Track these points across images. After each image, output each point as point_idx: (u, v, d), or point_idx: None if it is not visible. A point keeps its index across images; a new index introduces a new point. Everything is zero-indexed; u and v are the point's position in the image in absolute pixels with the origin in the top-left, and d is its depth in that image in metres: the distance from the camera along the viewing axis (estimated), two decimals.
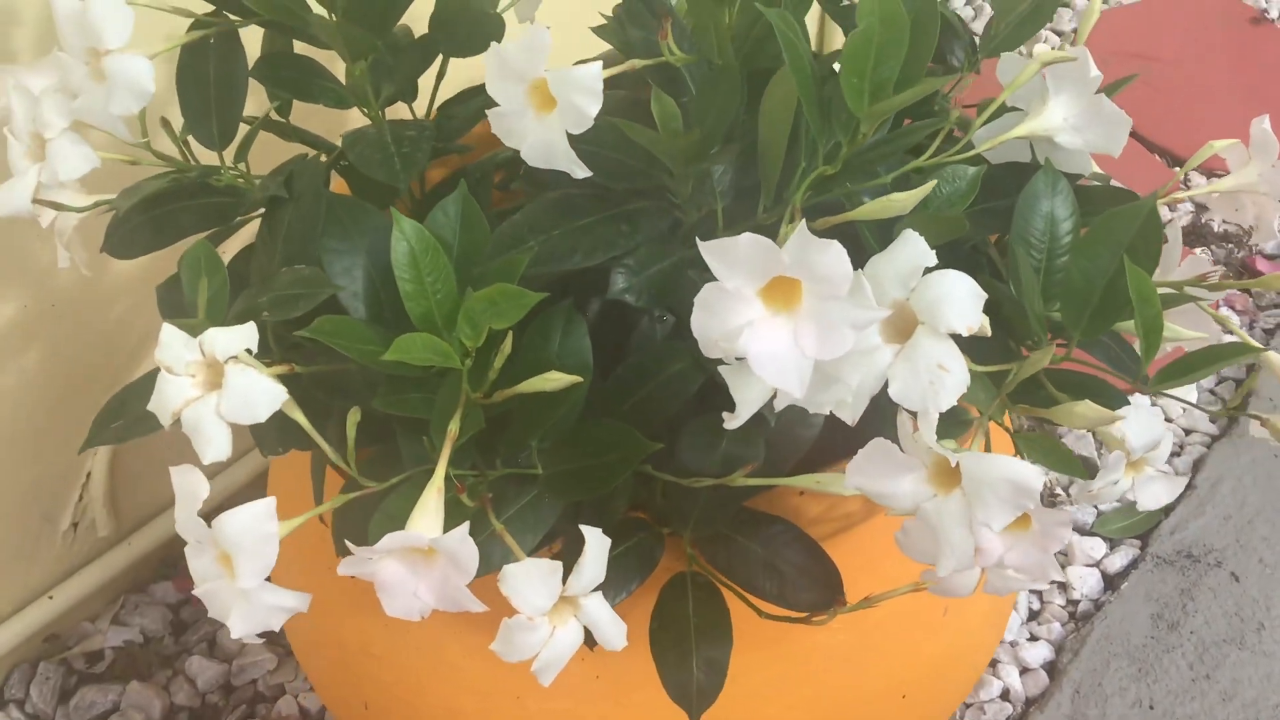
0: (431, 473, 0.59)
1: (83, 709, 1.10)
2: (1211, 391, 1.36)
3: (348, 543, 0.52)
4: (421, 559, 0.52)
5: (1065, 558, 1.23)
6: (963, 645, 0.87)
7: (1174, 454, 1.33)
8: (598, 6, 0.86)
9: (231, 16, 0.72)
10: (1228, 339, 0.63)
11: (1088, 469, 1.29)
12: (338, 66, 0.77)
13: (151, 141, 0.73)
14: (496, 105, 0.62)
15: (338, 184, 0.77)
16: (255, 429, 0.67)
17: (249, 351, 0.54)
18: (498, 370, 0.56)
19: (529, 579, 0.51)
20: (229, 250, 0.75)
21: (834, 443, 0.70)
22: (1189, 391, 1.19)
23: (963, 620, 0.85)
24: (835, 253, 0.48)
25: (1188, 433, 1.34)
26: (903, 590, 0.63)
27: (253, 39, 0.76)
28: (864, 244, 0.62)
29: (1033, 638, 1.17)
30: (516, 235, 0.63)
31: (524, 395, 0.59)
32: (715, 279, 0.52)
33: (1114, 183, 0.74)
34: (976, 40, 0.87)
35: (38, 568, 1.10)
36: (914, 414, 0.54)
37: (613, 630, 0.55)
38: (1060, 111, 0.65)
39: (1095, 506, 1.27)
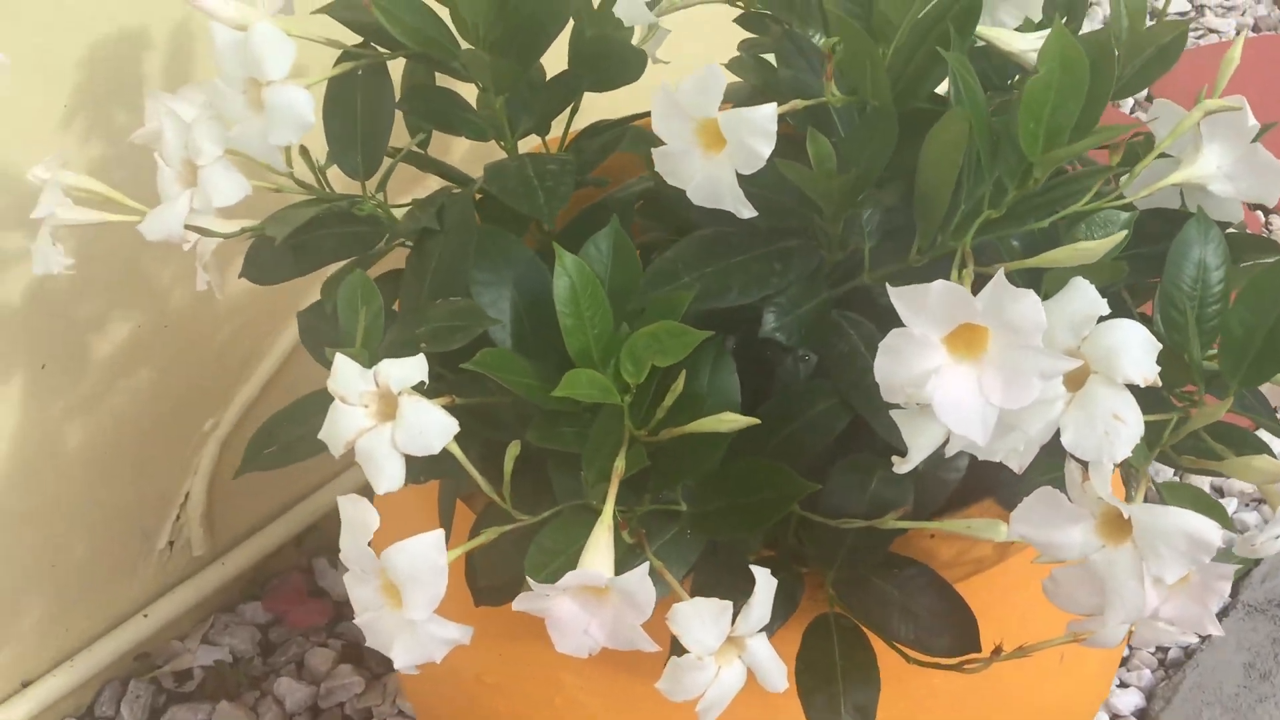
0: (586, 508, 0.59)
1: None
2: None
3: (530, 580, 0.52)
4: (594, 597, 0.52)
5: None
6: (1075, 694, 0.86)
7: (1259, 500, 1.32)
8: (713, 43, 0.87)
9: (380, 49, 0.73)
10: None
11: None
12: (470, 98, 0.78)
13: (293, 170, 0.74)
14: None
15: None
16: None
17: (420, 384, 0.55)
18: (666, 408, 0.56)
19: (699, 618, 0.51)
20: None
21: (965, 485, 0.70)
22: None
23: (1078, 668, 0.84)
24: (1030, 302, 0.48)
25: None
26: (1059, 641, 0.63)
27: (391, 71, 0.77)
28: None
29: (1123, 684, 1.16)
30: (670, 271, 0.63)
31: (682, 434, 0.59)
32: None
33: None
34: None
35: (134, 586, 1.11)
36: (1083, 463, 0.53)
37: (775, 671, 0.54)
38: (1214, 159, 0.65)
39: None
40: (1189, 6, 1.99)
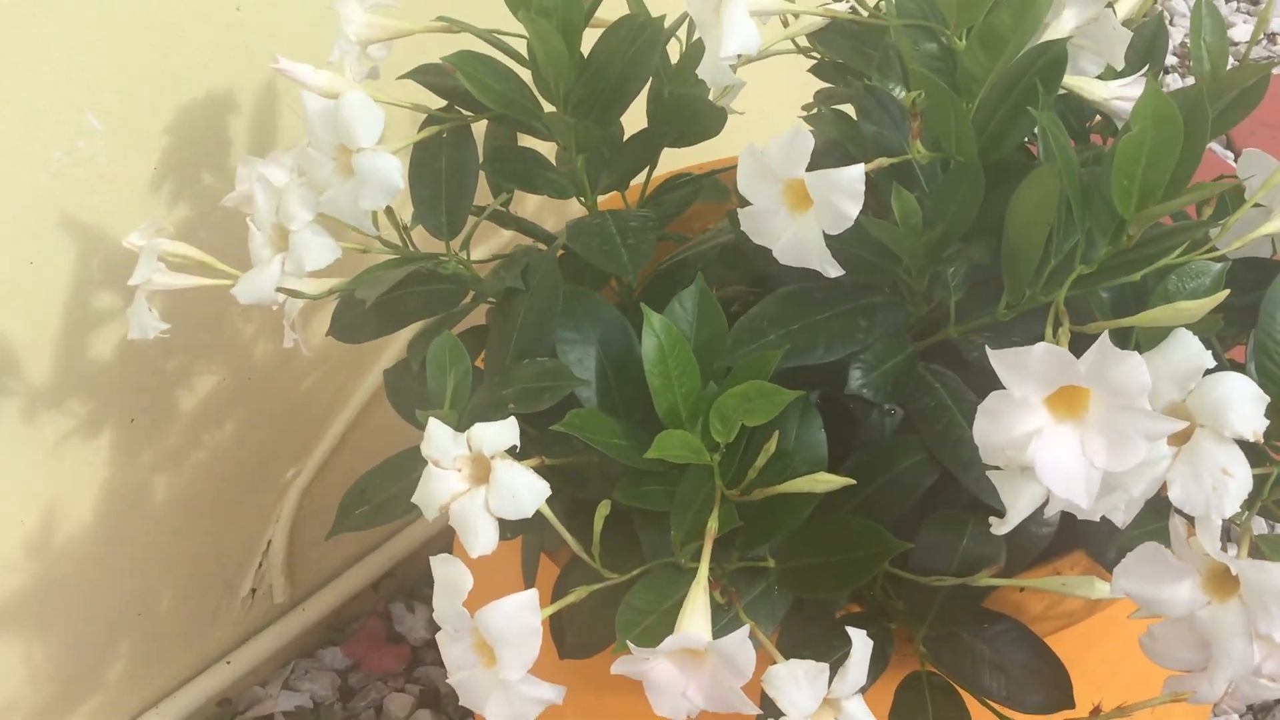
0: (674, 565, 0.59)
1: None
2: None
3: (630, 643, 0.52)
4: (691, 659, 0.52)
5: None
6: None
7: None
8: (785, 93, 0.87)
9: (464, 112, 0.74)
10: None
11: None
12: (550, 156, 0.79)
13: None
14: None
15: None
16: None
17: (512, 448, 0.55)
18: (759, 469, 0.56)
19: (795, 681, 0.51)
20: None
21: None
22: None
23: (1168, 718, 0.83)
24: (1135, 364, 0.48)
25: None
26: (1159, 701, 0.62)
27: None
28: None
29: None
30: (756, 328, 0.63)
31: (770, 493, 0.59)
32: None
33: None
34: None
35: (217, 633, 1.12)
36: (1189, 519, 0.53)
37: None
38: None
39: None
40: (1261, 36, 1.97)
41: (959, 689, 0.64)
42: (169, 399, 0.98)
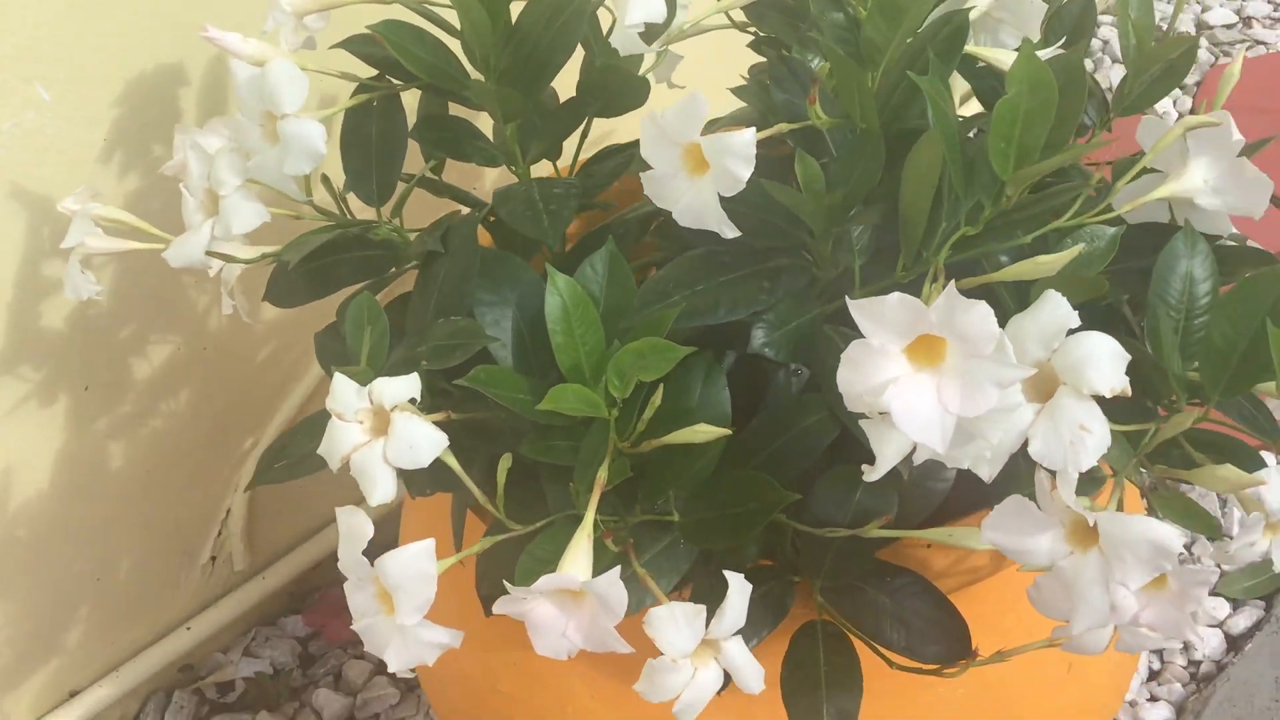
0: (578, 518, 0.61)
1: None
2: None
3: (506, 583, 0.54)
4: (571, 600, 0.54)
5: None
6: (1086, 703, 0.86)
7: None
8: (729, 68, 0.89)
9: (394, 81, 0.76)
10: None
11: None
12: (486, 125, 0.81)
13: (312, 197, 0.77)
14: (649, 168, 0.65)
15: (483, 238, 0.81)
16: (406, 471, 0.70)
17: (413, 400, 0.57)
18: (646, 421, 0.59)
19: (674, 622, 0.53)
20: (381, 302, 0.79)
21: (964, 496, 0.71)
22: None
23: (1087, 677, 0.85)
24: (981, 313, 0.50)
25: None
26: (1035, 645, 0.64)
27: (407, 101, 0.80)
28: (1001, 303, 0.63)
29: (1153, 698, 1.16)
30: (662, 290, 0.65)
31: (666, 445, 0.61)
32: (859, 335, 0.53)
33: (1251, 243, 0.75)
34: (1109, 98, 0.88)
35: (177, 600, 1.15)
36: (1052, 473, 0.55)
37: (752, 673, 0.56)
38: (1200, 174, 0.66)
39: (1218, 566, 1.25)
40: (1236, 19, 1.99)
41: (854, 638, 0.66)
42: (123, 367, 1.01)
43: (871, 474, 0.55)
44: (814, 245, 0.67)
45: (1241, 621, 1.20)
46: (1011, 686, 0.82)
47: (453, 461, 0.61)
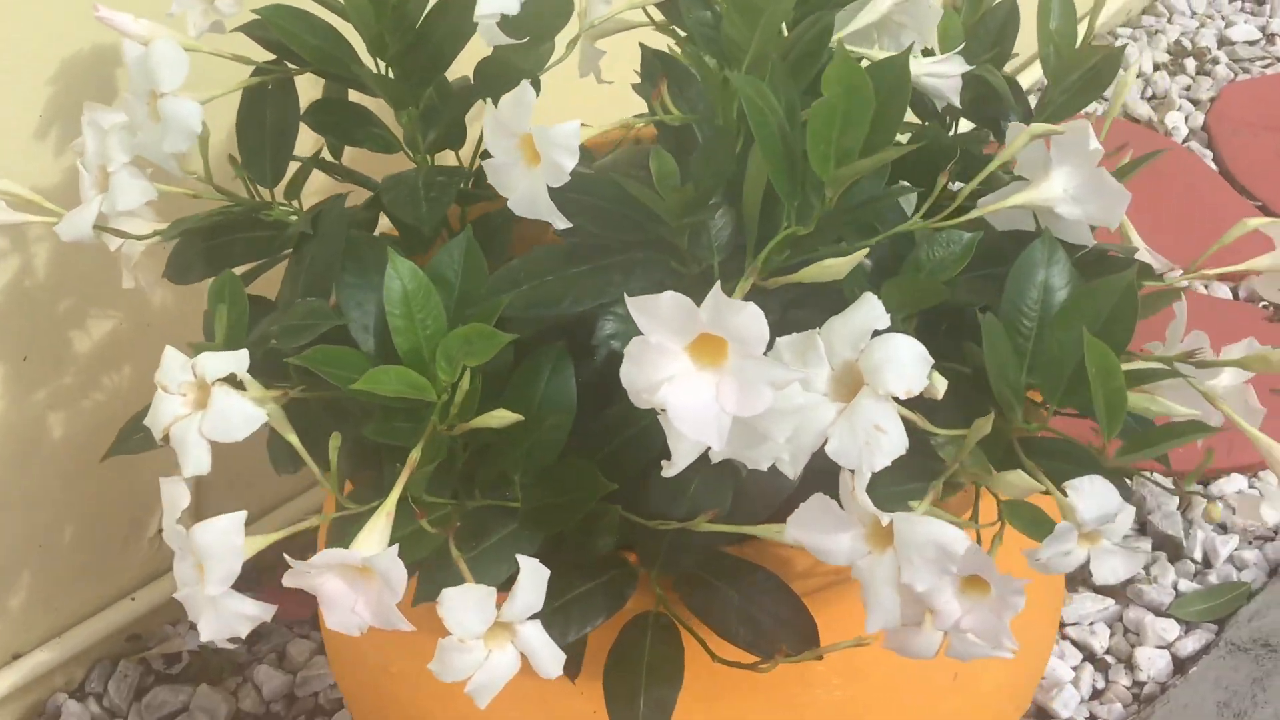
0: (414, 500, 0.62)
1: (154, 707, 1.16)
2: None
3: (285, 555, 0.55)
4: (361, 576, 0.55)
5: (1136, 637, 1.20)
6: (975, 713, 0.86)
7: (1268, 539, 1.29)
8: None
9: (290, 65, 0.78)
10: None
11: (1170, 548, 1.26)
12: (389, 113, 0.82)
13: (216, 177, 0.79)
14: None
15: (388, 224, 0.82)
16: (272, 450, 0.72)
17: (233, 376, 0.59)
18: (459, 404, 0.59)
19: (464, 603, 0.54)
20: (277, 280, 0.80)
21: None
22: None
23: (975, 686, 0.84)
24: (750, 313, 0.50)
25: None
26: (844, 645, 0.64)
27: (316, 86, 0.82)
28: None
29: (1092, 716, 1.14)
30: (512, 278, 0.66)
31: (503, 431, 0.62)
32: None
33: (1136, 253, 0.74)
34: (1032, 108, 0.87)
35: (123, 570, 1.17)
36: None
37: (548, 658, 0.57)
38: (1061, 182, 0.66)
39: (1174, 588, 1.24)
40: (1260, 35, 1.96)
41: (684, 631, 0.66)
42: (63, 340, 1.03)
43: (669, 469, 0.55)
44: (671, 241, 0.67)
45: (1190, 644, 1.19)
46: (892, 692, 0.82)
47: (293, 439, 0.62)
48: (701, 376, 0.52)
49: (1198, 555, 1.27)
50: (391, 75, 0.75)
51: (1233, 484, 1.33)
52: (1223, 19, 1.97)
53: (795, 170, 0.58)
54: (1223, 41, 1.94)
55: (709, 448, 0.53)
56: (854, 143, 0.56)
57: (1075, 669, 1.18)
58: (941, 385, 0.56)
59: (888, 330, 0.54)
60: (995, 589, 0.59)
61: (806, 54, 0.65)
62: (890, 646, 0.60)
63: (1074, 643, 1.20)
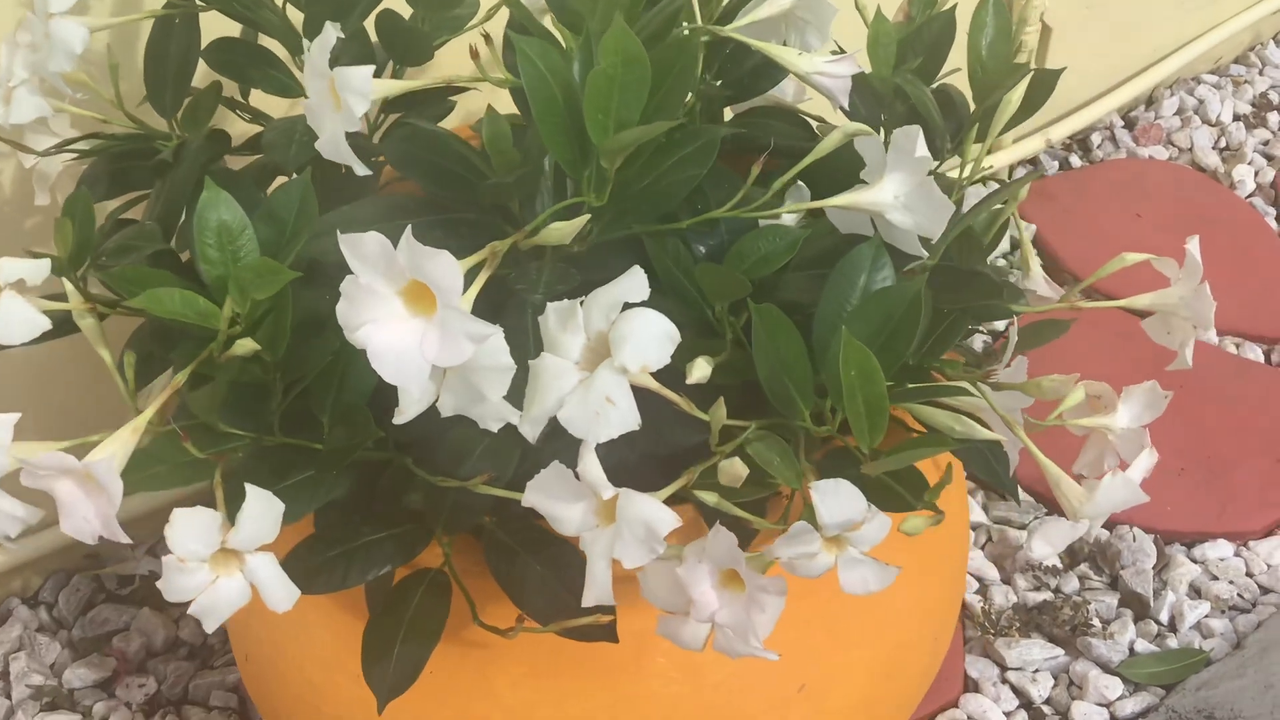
0: (205, 428, 0.63)
1: (97, 623, 1.20)
2: None
3: (19, 456, 0.57)
4: (95, 486, 0.57)
5: (1079, 690, 1.16)
6: None
7: (1243, 610, 1.23)
8: None
9: (197, 1, 0.80)
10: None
11: (1136, 606, 1.21)
12: None
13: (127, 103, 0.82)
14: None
15: None
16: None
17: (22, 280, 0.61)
18: (225, 335, 0.60)
19: (188, 525, 0.55)
20: None
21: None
22: None
23: (823, 703, 0.83)
24: (443, 261, 0.50)
25: (1264, 591, 1.24)
26: (583, 621, 0.63)
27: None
28: None
29: None
30: (335, 224, 0.67)
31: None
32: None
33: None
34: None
35: None
36: None
37: (278, 592, 0.57)
38: (892, 188, 0.64)
39: (1130, 647, 1.19)
40: None
41: (461, 591, 0.66)
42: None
43: (398, 417, 0.55)
44: (499, 202, 0.67)
45: (1130, 706, 1.14)
46: (732, 694, 0.81)
47: (105, 354, 0.64)
48: (411, 323, 0.52)
49: (1164, 617, 1.22)
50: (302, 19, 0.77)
51: (1217, 550, 1.27)
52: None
53: (583, 140, 0.57)
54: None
55: (437, 400, 0.53)
56: (632, 113, 0.55)
57: (1008, 715, 1.14)
58: (701, 371, 0.55)
59: (642, 305, 0.54)
60: (748, 585, 0.57)
61: (653, 35, 0.64)
62: (662, 633, 0.59)
63: (1013, 688, 1.17)
